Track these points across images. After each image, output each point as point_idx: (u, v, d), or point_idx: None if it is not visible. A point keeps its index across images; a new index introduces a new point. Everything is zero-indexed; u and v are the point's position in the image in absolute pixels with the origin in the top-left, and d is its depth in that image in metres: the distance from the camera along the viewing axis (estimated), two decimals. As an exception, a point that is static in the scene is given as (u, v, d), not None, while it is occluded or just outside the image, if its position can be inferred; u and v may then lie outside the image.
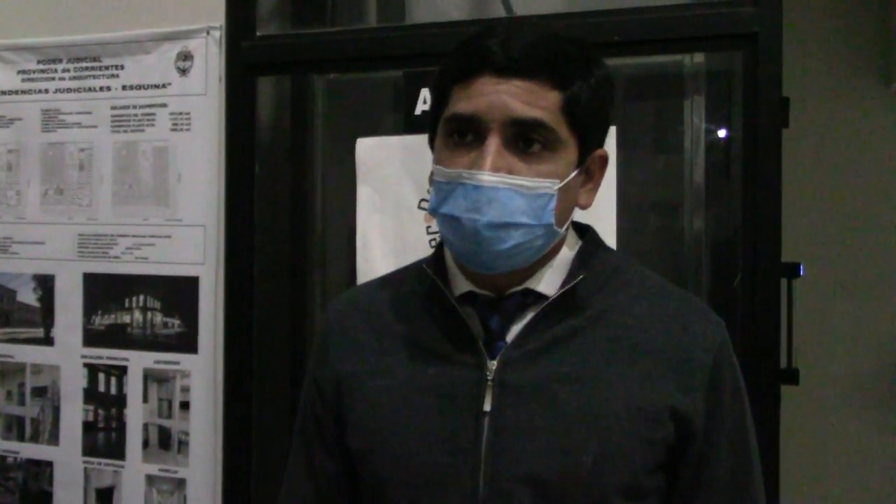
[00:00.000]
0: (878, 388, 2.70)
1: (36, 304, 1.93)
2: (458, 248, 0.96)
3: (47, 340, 1.92)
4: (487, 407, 0.95)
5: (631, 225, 1.72)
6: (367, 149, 1.75)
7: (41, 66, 1.92)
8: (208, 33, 1.79)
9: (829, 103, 2.64)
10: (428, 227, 1.70)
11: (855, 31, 2.66)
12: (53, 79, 1.91)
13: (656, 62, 1.81)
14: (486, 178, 0.91)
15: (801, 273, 1.84)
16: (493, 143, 0.91)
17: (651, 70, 1.83)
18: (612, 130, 1.57)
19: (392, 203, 1.73)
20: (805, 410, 2.54)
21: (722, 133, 1.79)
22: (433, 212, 0.97)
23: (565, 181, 0.95)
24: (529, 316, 0.98)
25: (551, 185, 0.93)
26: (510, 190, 0.91)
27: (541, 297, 0.99)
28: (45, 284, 1.92)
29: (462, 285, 1.02)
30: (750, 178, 1.52)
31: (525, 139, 0.92)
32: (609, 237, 1.56)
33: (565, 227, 1.00)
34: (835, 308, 2.67)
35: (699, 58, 1.76)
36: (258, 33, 1.81)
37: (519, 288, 1.00)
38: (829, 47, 2.66)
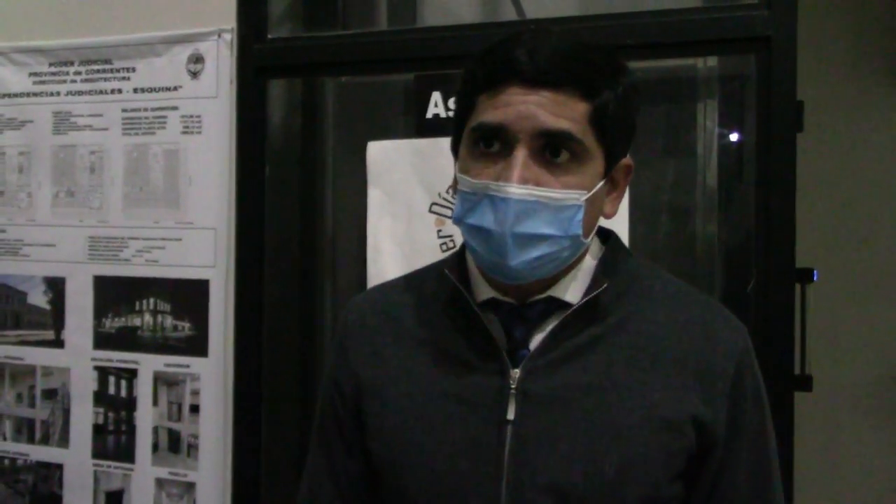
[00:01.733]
0: (892, 394, 2.68)
1: (46, 306, 1.93)
2: (485, 259, 0.95)
3: (58, 343, 1.92)
4: (510, 416, 0.94)
5: (644, 229, 1.71)
6: (378, 152, 1.74)
7: (52, 69, 1.92)
8: (219, 36, 1.79)
9: (845, 107, 2.63)
10: (438, 230, 1.70)
11: (870, 34, 2.64)
12: (65, 81, 1.91)
13: (669, 66, 1.79)
14: (514, 190, 0.90)
15: (816, 278, 1.83)
16: (520, 155, 0.90)
17: (664, 74, 1.82)
18: (625, 134, 1.56)
19: (403, 206, 1.72)
20: (818, 417, 2.53)
21: (735, 137, 1.77)
22: (458, 221, 0.96)
23: (592, 192, 0.94)
24: (552, 324, 0.98)
25: (579, 197, 0.93)
26: (538, 202, 0.91)
27: (564, 304, 0.99)
28: (56, 287, 1.92)
29: (485, 292, 1.01)
30: (764, 183, 1.50)
31: (553, 150, 0.92)
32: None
33: (591, 237, 0.99)
34: (849, 314, 2.65)
35: (712, 61, 1.75)
36: (269, 36, 1.81)
37: (542, 296, 0.99)
38: (845, 51, 2.64)
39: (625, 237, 1.56)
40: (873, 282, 2.67)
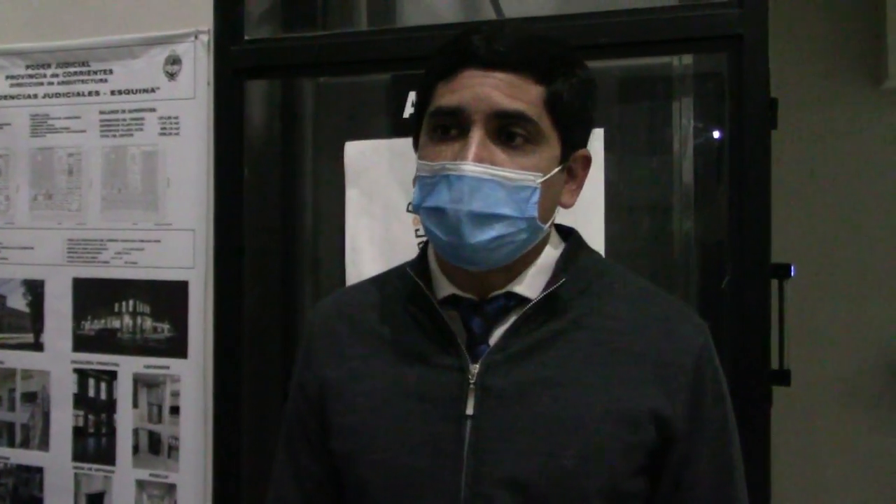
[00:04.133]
0: (870, 388, 2.70)
1: (26, 309, 1.93)
2: (441, 241, 0.96)
3: (37, 346, 1.92)
4: (470, 410, 0.95)
5: (620, 227, 1.72)
6: (356, 152, 1.75)
7: (30, 72, 1.92)
8: (196, 37, 1.79)
9: (820, 104, 2.65)
10: (416, 229, 1.70)
11: (844, 31, 2.67)
12: (42, 84, 1.91)
13: (645, 64, 1.80)
14: (470, 168, 0.91)
15: (793, 274, 1.84)
16: (476, 135, 0.92)
17: (640, 72, 1.83)
18: (600, 132, 1.58)
19: (380, 206, 1.72)
20: (797, 411, 2.54)
21: (711, 135, 1.78)
22: (417, 207, 0.97)
23: (548, 175, 0.96)
24: (512, 319, 0.99)
25: (534, 179, 0.94)
26: (493, 181, 0.92)
27: (524, 300, 0.99)
28: (35, 290, 1.92)
29: (445, 288, 1.03)
30: (738, 180, 1.51)
31: (508, 132, 0.93)
32: (597, 239, 1.56)
33: (548, 224, 1.00)
34: (827, 308, 2.67)
35: (687, 59, 1.76)
36: (247, 37, 1.81)
37: (501, 291, 1.00)
38: (819, 48, 2.66)
39: (601, 234, 1.57)
40: (851, 276, 2.69)
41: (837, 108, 2.65)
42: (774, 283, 1.72)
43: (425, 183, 0.96)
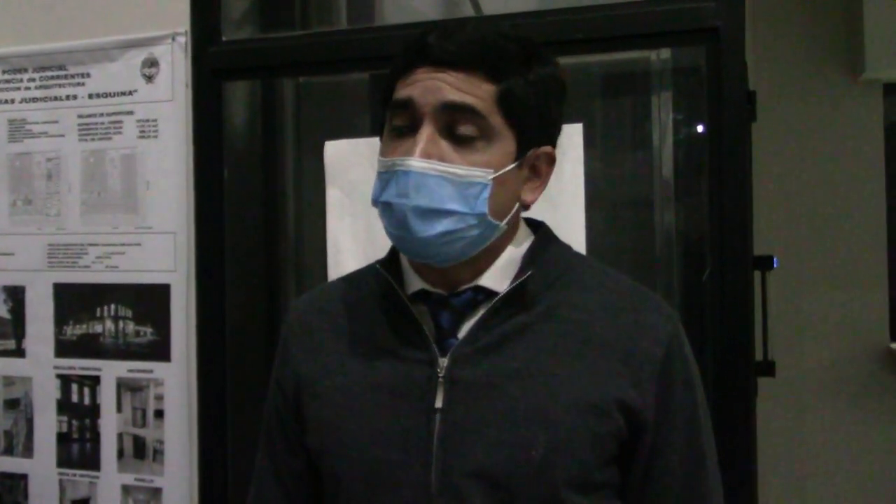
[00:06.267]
0: (855, 377, 2.71)
1: (7, 315, 1.91)
2: (392, 234, 0.98)
3: (19, 352, 1.90)
4: (439, 403, 0.96)
5: (600, 222, 1.73)
6: (336, 151, 1.74)
7: (6, 76, 1.90)
8: (173, 39, 1.78)
9: (799, 96, 2.66)
10: (398, 228, 1.70)
11: (822, 23, 2.68)
12: (19, 88, 1.90)
13: (623, 59, 1.81)
14: (416, 164, 0.93)
15: (776, 265, 1.85)
16: (426, 131, 0.94)
17: (618, 67, 1.83)
18: (579, 128, 1.57)
19: (361, 205, 1.72)
20: (782, 402, 2.56)
21: (690, 128, 1.79)
22: (374, 202, 0.99)
23: (500, 172, 0.96)
24: (480, 313, 0.99)
25: (485, 175, 0.95)
26: (440, 177, 0.93)
27: (492, 293, 1.00)
28: (16, 296, 1.90)
29: (415, 283, 1.03)
30: (718, 173, 1.51)
31: (459, 127, 0.94)
32: (578, 234, 1.56)
33: (506, 220, 1.00)
34: (810, 299, 2.69)
35: (665, 54, 1.76)
36: (224, 38, 1.80)
37: (470, 285, 1.01)
38: (798, 40, 2.67)
39: (581, 229, 1.57)
40: (834, 267, 2.70)
41: (816, 99, 2.67)
42: (757, 274, 1.73)
43: (381, 178, 0.97)
